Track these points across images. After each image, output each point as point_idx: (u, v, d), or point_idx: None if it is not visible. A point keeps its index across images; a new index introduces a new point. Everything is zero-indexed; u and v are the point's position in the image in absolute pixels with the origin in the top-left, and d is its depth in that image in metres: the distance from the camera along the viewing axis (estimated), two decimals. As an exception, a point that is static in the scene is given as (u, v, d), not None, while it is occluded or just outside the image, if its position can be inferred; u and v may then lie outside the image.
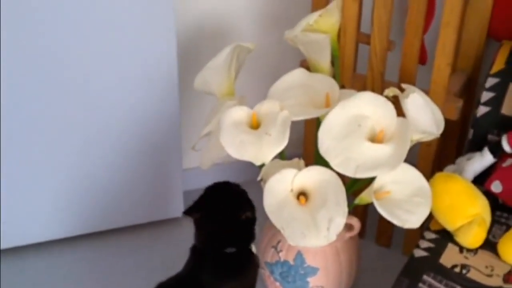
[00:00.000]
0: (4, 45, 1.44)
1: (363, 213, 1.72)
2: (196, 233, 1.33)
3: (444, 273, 1.24)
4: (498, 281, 1.23)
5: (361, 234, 1.66)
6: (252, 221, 1.33)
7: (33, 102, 1.53)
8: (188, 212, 1.30)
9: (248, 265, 1.35)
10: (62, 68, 1.51)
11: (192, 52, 1.73)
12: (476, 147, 1.47)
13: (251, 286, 1.36)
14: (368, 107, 1.32)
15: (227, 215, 1.30)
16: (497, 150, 1.41)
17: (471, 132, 1.52)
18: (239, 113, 1.35)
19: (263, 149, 1.29)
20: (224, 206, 1.30)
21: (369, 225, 1.76)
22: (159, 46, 1.56)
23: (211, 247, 1.31)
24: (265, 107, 1.36)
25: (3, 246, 1.68)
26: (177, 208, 1.79)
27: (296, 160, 1.36)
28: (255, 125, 1.35)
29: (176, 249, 1.62)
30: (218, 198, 1.32)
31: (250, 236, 1.34)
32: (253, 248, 1.36)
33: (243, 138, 1.30)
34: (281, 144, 1.29)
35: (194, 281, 1.28)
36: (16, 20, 1.42)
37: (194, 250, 1.33)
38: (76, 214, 1.71)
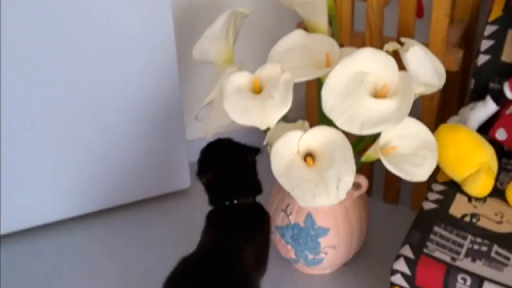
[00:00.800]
0: (11, 39, 1.44)
1: (369, 171, 1.72)
2: (209, 192, 1.35)
3: (455, 223, 1.25)
4: (508, 227, 1.24)
5: (368, 192, 1.67)
6: (255, 170, 1.36)
7: (42, 80, 1.53)
8: (200, 174, 1.33)
9: (263, 216, 1.36)
10: (65, 45, 1.51)
11: (188, 22, 1.72)
12: (479, 96, 1.47)
13: (266, 240, 1.37)
14: (370, 64, 1.32)
15: (235, 160, 1.34)
16: (499, 97, 1.41)
17: (472, 81, 1.52)
18: (240, 79, 1.34)
19: (267, 113, 1.29)
20: (230, 153, 1.34)
21: (376, 183, 1.77)
22: (155, 18, 1.55)
23: (225, 199, 1.33)
24: (266, 71, 1.35)
25: (14, 228, 1.70)
26: (184, 180, 1.80)
27: (300, 122, 1.36)
28: (257, 90, 1.35)
29: (186, 220, 1.64)
30: (219, 151, 1.35)
31: (258, 186, 1.37)
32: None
33: (246, 103, 1.30)
34: (285, 107, 1.29)
35: (218, 248, 1.28)
36: (18, 12, 1.42)
37: (210, 216, 1.34)
38: (84, 193, 1.71)
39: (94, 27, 1.52)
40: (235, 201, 1.33)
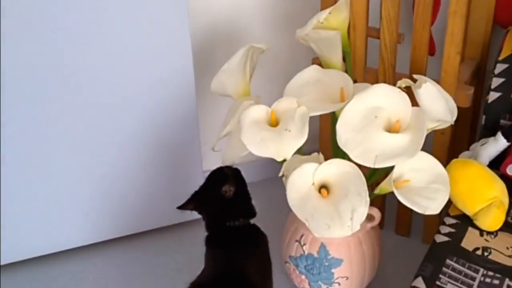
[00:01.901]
0: (29, 55, 1.49)
1: (381, 203, 1.75)
2: (204, 220, 1.44)
3: (467, 256, 1.27)
4: (519, 261, 1.26)
5: (381, 224, 1.69)
6: (242, 194, 1.41)
7: (58, 112, 1.57)
8: (181, 207, 1.43)
9: (257, 236, 1.41)
10: (83, 76, 1.55)
11: (206, 55, 1.77)
12: (489, 133, 1.50)
13: (267, 259, 1.41)
14: (383, 99, 1.35)
15: (212, 192, 1.41)
16: (510, 133, 1.44)
17: (483, 118, 1.55)
18: (257, 112, 1.38)
19: (283, 145, 1.32)
20: (209, 186, 1.43)
21: (387, 216, 1.79)
22: (175, 52, 1.60)
23: (216, 224, 1.41)
24: (283, 105, 1.39)
25: (34, 255, 1.73)
26: (200, 209, 1.83)
27: (315, 154, 1.40)
28: (274, 123, 1.39)
29: (202, 248, 1.66)
30: (205, 182, 1.44)
31: (248, 209, 1.41)
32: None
33: (263, 135, 1.34)
34: (301, 139, 1.32)
35: (220, 268, 1.34)
36: (42, 33, 1.47)
37: (208, 240, 1.41)
38: (103, 220, 1.75)
39: (113, 58, 1.56)
40: (227, 224, 1.39)
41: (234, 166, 1.44)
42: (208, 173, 1.84)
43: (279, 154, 1.33)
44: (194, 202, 1.43)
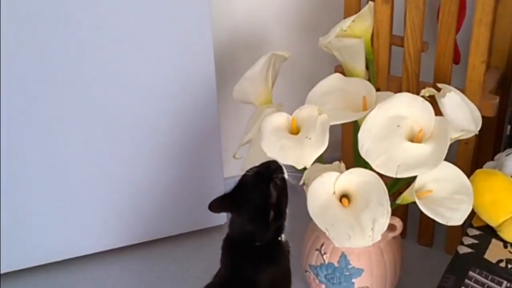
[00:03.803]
0: (49, 56, 1.49)
1: (403, 213, 1.73)
2: (230, 224, 1.33)
3: (490, 268, 1.25)
4: (544, 274, 1.24)
5: (403, 234, 1.67)
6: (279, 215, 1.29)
7: (80, 120, 1.58)
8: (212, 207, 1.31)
9: (277, 254, 1.33)
10: (103, 82, 1.56)
11: (229, 63, 1.77)
12: (515, 143, 1.48)
13: (286, 271, 1.36)
14: (406, 108, 1.34)
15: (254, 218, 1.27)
16: (536, 144, 1.42)
17: (508, 128, 1.53)
18: (278, 119, 1.38)
19: (304, 153, 1.32)
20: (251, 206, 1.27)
21: (410, 225, 1.77)
22: (197, 58, 1.60)
23: (241, 242, 1.31)
24: (304, 112, 1.38)
25: (52, 260, 1.74)
26: (220, 216, 1.82)
27: (337, 163, 1.39)
28: (294, 130, 1.38)
29: (219, 255, 1.66)
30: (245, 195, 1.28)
31: (277, 231, 1.32)
32: (283, 237, 1.34)
33: (284, 143, 1.33)
34: (322, 147, 1.32)
35: (233, 275, 1.31)
36: (60, 35, 1.48)
37: (226, 243, 1.35)
38: (122, 226, 1.75)
39: (135, 64, 1.56)
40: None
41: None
42: (229, 180, 1.85)
43: (299, 162, 1.33)
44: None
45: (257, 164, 1.40)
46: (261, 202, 1.26)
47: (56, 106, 1.55)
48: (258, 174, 1.27)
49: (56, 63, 1.50)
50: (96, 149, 1.63)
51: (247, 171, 1.29)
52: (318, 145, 1.32)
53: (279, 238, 1.33)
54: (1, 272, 1.69)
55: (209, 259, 1.72)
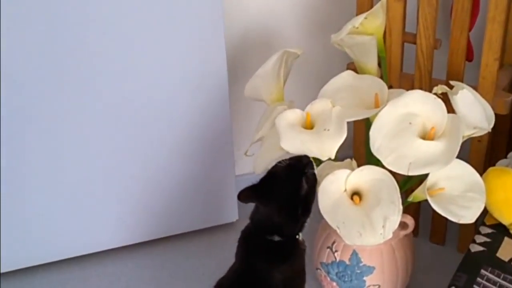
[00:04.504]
0: (69, 60, 1.50)
1: (416, 211, 1.73)
2: (253, 215, 1.32)
3: (502, 266, 1.25)
4: (557, 272, 1.23)
5: (415, 232, 1.67)
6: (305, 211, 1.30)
7: (92, 114, 1.59)
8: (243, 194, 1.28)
9: (294, 251, 1.34)
10: (115, 78, 1.56)
11: (240, 59, 1.77)
12: (528, 141, 1.47)
13: (300, 270, 1.37)
14: (418, 105, 1.33)
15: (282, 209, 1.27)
16: (549, 142, 1.41)
17: (522, 126, 1.52)
18: (292, 116, 1.38)
19: (324, 145, 1.31)
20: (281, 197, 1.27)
21: (422, 223, 1.77)
22: (209, 55, 1.60)
23: (260, 234, 1.31)
24: (317, 107, 1.38)
25: (66, 256, 1.75)
26: (232, 213, 1.83)
27: (348, 160, 1.39)
28: (308, 126, 1.38)
29: (232, 253, 1.66)
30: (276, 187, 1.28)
31: (300, 228, 1.33)
32: (300, 236, 1.35)
33: (302, 138, 1.33)
34: (341, 137, 1.31)
35: (248, 270, 1.31)
36: (75, 36, 1.49)
37: (244, 235, 1.35)
38: (135, 223, 1.76)
39: (146, 61, 1.57)
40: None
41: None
42: (240, 177, 1.86)
43: (323, 154, 1.32)
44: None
45: (268, 161, 1.41)
46: (292, 195, 1.27)
47: (69, 104, 1.55)
48: (291, 167, 1.28)
49: (71, 62, 1.51)
50: (110, 148, 1.64)
51: (278, 163, 1.29)
52: (337, 135, 1.32)
53: (297, 236, 1.33)
54: (18, 268, 1.71)
55: (221, 256, 1.73)
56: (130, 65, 1.56)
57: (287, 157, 1.31)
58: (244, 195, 1.28)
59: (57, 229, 1.69)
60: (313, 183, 1.29)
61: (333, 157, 1.33)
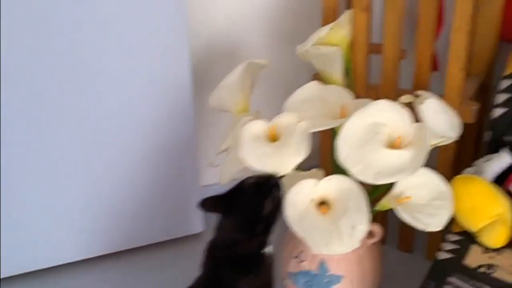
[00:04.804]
0: (17, 71, 1.47)
1: (383, 219, 1.72)
2: (217, 228, 1.31)
3: (470, 274, 1.24)
4: (525, 279, 1.23)
5: (383, 240, 1.66)
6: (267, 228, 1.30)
7: (55, 127, 1.56)
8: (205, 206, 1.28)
9: (259, 264, 1.32)
10: (79, 86, 1.54)
11: (205, 70, 1.76)
12: (494, 149, 1.48)
13: (267, 282, 1.35)
14: (384, 115, 1.33)
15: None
16: (514, 150, 1.42)
17: (487, 134, 1.53)
18: (257, 127, 1.37)
19: (283, 160, 1.31)
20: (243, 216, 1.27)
21: (390, 231, 1.77)
22: (173, 65, 1.59)
23: (224, 246, 1.30)
24: (283, 120, 1.37)
25: (25, 269, 1.70)
26: (197, 224, 1.82)
27: (314, 170, 1.38)
28: (273, 138, 1.37)
29: (198, 264, 1.64)
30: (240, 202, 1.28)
31: (260, 245, 1.32)
32: (268, 249, 1.34)
33: (263, 150, 1.32)
34: (301, 154, 1.31)
35: (212, 282, 1.30)
36: (39, 41, 1.46)
37: (210, 246, 1.33)
38: (97, 235, 1.73)
39: (110, 70, 1.55)
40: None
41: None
42: (206, 188, 1.84)
43: (279, 169, 1.32)
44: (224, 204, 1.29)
45: (233, 172, 1.39)
46: (254, 212, 1.27)
47: (28, 111, 1.52)
48: (258, 185, 1.28)
49: (31, 67, 1.48)
50: (70, 158, 1.61)
51: (247, 179, 1.29)
52: (298, 152, 1.32)
53: (262, 251, 1.32)
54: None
55: (185, 268, 1.70)
56: (94, 74, 1.54)
57: (256, 172, 1.31)
58: (208, 204, 1.28)
59: (13, 242, 1.65)
60: (278, 205, 1.28)
61: (288, 174, 1.32)
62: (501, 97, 1.50)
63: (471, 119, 1.54)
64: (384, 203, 1.35)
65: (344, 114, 1.41)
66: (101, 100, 1.57)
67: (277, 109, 1.43)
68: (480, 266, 1.26)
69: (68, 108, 1.55)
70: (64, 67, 1.50)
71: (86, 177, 1.65)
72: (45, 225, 1.66)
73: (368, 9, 1.55)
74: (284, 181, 1.34)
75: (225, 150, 1.48)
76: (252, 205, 1.27)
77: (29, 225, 1.65)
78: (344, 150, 1.32)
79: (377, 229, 1.44)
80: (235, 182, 1.31)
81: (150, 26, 1.53)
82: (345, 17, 1.53)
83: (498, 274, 1.24)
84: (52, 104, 1.53)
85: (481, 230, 1.31)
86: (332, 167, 1.45)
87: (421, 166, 1.28)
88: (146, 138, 1.65)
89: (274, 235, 1.31)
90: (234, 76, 1.49)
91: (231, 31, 1.76)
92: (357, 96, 1.61)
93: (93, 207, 1.69)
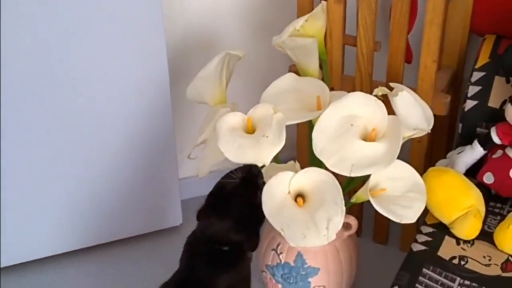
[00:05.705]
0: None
1: (359, 211, 1.74)
2: (205, 227, 1.31)
3: (443, 265, 1.27)
4: (496, 270, 1.26)
5: (358, 232, 1.68)
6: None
7: (27, 118, 1.54)
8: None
9: (239, 259, 1.33)
10: (57, 83, 1.53)
11: (182, 61, 1.76)
12: (466, 141, 1.50)
13: (245, 277, 1.37)
14: (359, 107, 1.35)
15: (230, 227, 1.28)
16: (486, 142, 1.44)
17: (460, 126, 1.55)
18: (234, 119, 1.37)
19: (261, 151, 1.31)
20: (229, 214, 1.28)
21: (365, 223, 1.79)
22: (149, 57, 1.58)
23: (207, 242, 1.30)
24: (259, 112, 1.38)
25: (4, 264, 1.69)
26: (176, 217, 1.81)
27: (291, 163, 1.39)
28: (250, 130, 1.38)
29: (177, 257, 1.64)
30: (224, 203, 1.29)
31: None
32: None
33: (241, 142, 1.33)
34: (279, 145, 1.32)
35: (191, 276, 1.30)
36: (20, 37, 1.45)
37: (189, 241, 1.34)
38: (76, 229, 1.72)
39: (86, 65, 1.54)
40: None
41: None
42: (184, 180, 1.85)
43: (257, 160, 1.32)
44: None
45: (211, 164, 1.40)
46: (252, 211, 1.28)
47: (8, 106, 1.51)
48: (245, 180, 1.29)
49: (9, 65, 1.47)
50: (49, 151, 1.60)
51: (231, 175, 1.30)
52: (275, 143, 1.32)
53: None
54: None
55: (165, 261, 1.70)
56: (70, 68, 1.53)
57: (235, 166, 1.31)
58: (202, 216, 1.29)
59: (-7, 237, 1.64)
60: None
61: (267, 165, 1.33)
62: (473, 90, 1.53)
63: (443, 112, 1.56)
64: (360, 195, 1.37)
65: (320, 106, 1.42)
66: (78, 94, 1.56)
67: (254, 101, 1.43)
68: (453, 258, 1.28)
69: (45, 103, 1.54)
70: (37, 61, 1.49)
71: (64, 171, 1.64)
72: (24, 218, 1.65)
73: (342, 1, 1.55)
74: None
75: (203, 142, 1.48)
76: (248, 204, 1.28)
77: (9, 219, 1.63)
78: (320, 143, 1.33)
79: (353, 221, 1.46)
80: (216, 184, 1.32)
81: (125, 20, 1.52)
82: (320, 8, 1.53)
83: (470, 265, 1.26)
84: (29, 99, 1.52)
85: (453, 222, 1.33)
86: (309, 159, 1.47)
87: (396, 159, 1.30)
88: (124, 131, 1.64)
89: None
90: (210, 67, 1.49)
91: (207, 22, 1.76)
92: (333, 88, 1.63)
93: (71, 201, 1.68)
